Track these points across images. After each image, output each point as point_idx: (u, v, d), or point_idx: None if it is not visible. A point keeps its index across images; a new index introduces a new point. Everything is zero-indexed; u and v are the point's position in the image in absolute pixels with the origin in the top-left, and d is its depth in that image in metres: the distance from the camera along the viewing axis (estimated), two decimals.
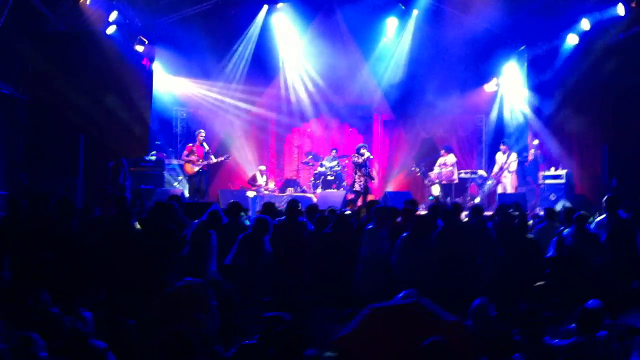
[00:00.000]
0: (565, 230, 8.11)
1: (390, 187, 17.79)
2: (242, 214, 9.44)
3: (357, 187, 14.42)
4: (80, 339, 4.81)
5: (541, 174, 15.34)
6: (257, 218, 8.17)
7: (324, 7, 16.89)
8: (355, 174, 14.65)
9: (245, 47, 17.20)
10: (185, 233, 7.93)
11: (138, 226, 7.83)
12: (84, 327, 5.01)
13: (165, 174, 15.17)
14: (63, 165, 13.96)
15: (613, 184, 13.53)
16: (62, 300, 5.33)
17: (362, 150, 14.69)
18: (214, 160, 15.03)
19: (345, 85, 18.08)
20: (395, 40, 17.41)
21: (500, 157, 15.58)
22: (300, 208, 8.57)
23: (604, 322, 5.64)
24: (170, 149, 16.69)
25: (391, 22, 16.94)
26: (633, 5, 12.97)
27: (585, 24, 14.17)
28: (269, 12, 16.74)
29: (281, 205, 12.29)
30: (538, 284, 7.11)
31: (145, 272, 7.19)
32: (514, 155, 15.48)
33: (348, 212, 8.96)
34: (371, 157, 15.23)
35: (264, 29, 17.05)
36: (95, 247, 7.44)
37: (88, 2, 13.20)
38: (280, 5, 16.32)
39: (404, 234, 7.63)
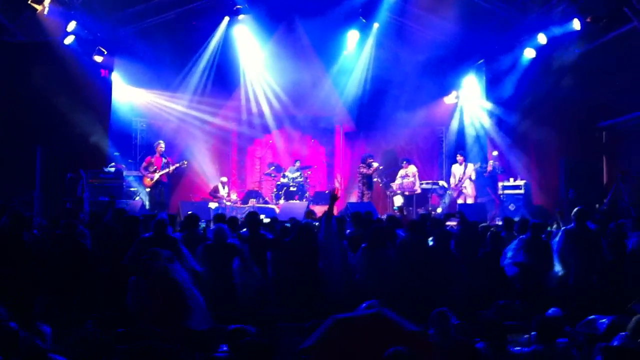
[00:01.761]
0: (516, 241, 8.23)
1: (352, 198, 17.86)
2: (203, 225, 9.35)
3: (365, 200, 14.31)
4: (38, 355, 4.68)
5: (500, 184, 15.58)
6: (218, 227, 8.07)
7: (286, 20, 16.94)
8: (364, 185, 14.47)
9: (206, 59, 17.13)
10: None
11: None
12: (42, 342, 4.88)
13: (125, 185, 14.97)
14: (20, 177, 13.66)
15: (570, 195, 13.79)
16: (19, 315, 5.18)
17: (369, 161, 14.50)
18: (171, 168, 14.87)
19: (306, 97, 18.14)
20: (357, 53, 17.56)
21: (457, 169, 15.79)
22: (260, 219, 8.52)
23: (563, 330, 5.73)
24: (129, 160, 16.48)
25: (352, 35, 17.06)
26: (588, 20, 13.27)
27: (542, 39, 14.44)
28: (230, 24, 16.71)
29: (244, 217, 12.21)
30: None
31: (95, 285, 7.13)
32: (470, 166, 15.70)
33: (317, 222, 8.92)
34: (380, 167, 15.09)
35: (225, 41, 17.01)
36: (52, 260, 7.31)
37: (46, 12, 12.97)
38: (241, 17, 16.28)
39: (363, 245, 7.65)
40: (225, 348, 5.31)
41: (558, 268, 8.09)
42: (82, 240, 7.94)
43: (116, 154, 15.80)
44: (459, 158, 15.90)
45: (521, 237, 8.21)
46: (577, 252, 8.08)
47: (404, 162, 16.22)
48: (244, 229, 8.54)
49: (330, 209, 7.50)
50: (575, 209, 8.48)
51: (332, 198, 7.61)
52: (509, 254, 8.13)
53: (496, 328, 5.36)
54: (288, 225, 8.97)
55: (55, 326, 5.22)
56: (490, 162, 16.03)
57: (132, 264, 7.07)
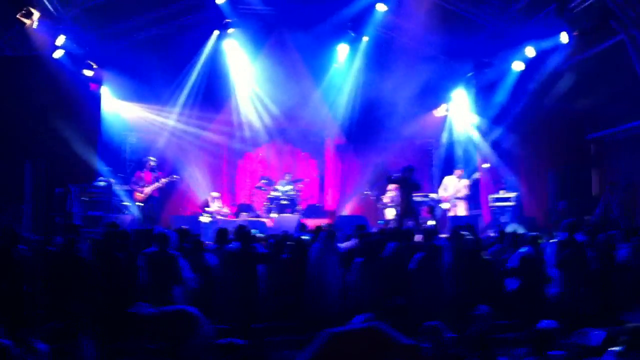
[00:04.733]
0: (523, 249, 8.22)
1: (344, 211, 17.85)
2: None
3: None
4: None
5: (491, 196, 15.61)
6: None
7: (275, 33, 17.00)
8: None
9: (197, 73, 17.11)
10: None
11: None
12: None
13: (114, 200, 14.89)
14: (8, 192, 13.55)
15: (560, 206, 13.84)
16: (12, 332, 5.13)
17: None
18: (162, 182, 14.79)
19: (297, 111, 18.14)
20: (346, 66, 17.63)
21: (451, 181, 15.79)
22: (251, 233, 8.47)
23: (558, 341, 5.72)
24: (119, 175, 16.39)
25: (342, 49, 17.15)
26: (576, 33, 13.39)
27: (530, 51, 14.55)
28: (219, 38, 16.71)
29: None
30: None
31: (94, 302, 7.06)
32: (465, 181, 15.72)
33: (306, 237, 8.88)
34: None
35: (215, 54, 17.01)
36: (47, 276, 7.26)
37: (35, 26, 12.95)
38: (230, 30, 16.30)
39: (358, 259, 7.62)
40: None
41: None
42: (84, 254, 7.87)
43: (106, 168, 15.72)
44: (458, 172, 15.87)
45: (519, 251, 8.21)
46: (563, 263, 8.10)
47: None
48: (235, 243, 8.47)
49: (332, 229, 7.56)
50: (565, 221, 8.52)
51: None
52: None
53: (489, 341, 5.35)
54: (280, 239, 8.92)
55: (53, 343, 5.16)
56: (477, 174, 16.06)
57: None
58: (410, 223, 13.11)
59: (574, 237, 8.28)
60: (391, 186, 15.81)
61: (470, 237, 8.37)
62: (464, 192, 15.58)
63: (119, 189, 15.39)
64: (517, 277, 8.09)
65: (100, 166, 15.52)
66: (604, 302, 7.72)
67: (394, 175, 15.00)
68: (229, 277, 7.85)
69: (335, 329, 4.92)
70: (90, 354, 4.93)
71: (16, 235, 7.57)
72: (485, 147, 16.76)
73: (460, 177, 15.77)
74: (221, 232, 8.98)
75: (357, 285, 7.41)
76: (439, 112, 18.21)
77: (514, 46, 14.99)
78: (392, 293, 7.35)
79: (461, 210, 15.52)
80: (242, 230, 8.20)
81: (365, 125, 18.22)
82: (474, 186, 16.04)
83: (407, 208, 13.26)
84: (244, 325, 7.15)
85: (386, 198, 16.07)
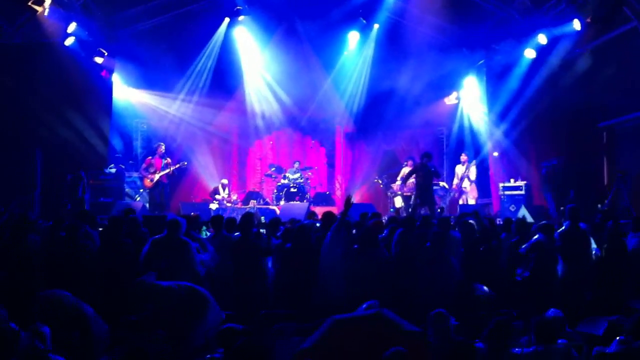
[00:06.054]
0: (535, 238, 8.18)
1: (353, 199, 17.82)
2: (203, 227, 9.31)
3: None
4: (37, 355, 4.69)
5: (501, 185, 15.55)
6: None
7: (286, 21, 16.93)
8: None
9: (207, 60, 17.13)
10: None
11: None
12: (42, 343, 4.88)
13: (125, 186, 14.97)
14: (20, 179, 13.65)
15: (570, 195, 13.78)
16: (18, 316, 5.19)
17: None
18: (171, 169, 14.81)
19: (307, 98, 18.14)
20: (357, 53, 17.58)
21: (459, 169, 15.78)
22: (254, 221, 8.43)
23: (563, 330, 5.72)
24: (130, 162, 16.49)
25: (352, 36, 17.09)
26: (588, 20, 13.25)
27: (542, 39, 14.42)
28: (230, 25, 16.71)
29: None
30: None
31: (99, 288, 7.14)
32: (473, 167, 15.66)
33: (318, 224, 8.86)
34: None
35: (226, 42, 17.01)
36: (53, 262, 7.32)
37: (46, 14, 12.97)
38: (241, 18, 16.27)
39: (355, 246, 7.59)
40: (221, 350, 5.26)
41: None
42: (89, 241, 7.88)
43: (117, 155, 15.80)
44: (463, 158, 15.84)
45: (533, 239, 8.15)
46: (568, 251, 8.07)
47: (410, 160, 15.84)
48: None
49: (344, 214, 7.53)
50: (568, 208, 8.46)
51: (347, 204, 7.67)
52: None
53: (500, 329, 5.33)
54: (289, 226, 8.92)
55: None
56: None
57: (147, 265, 7.13)
58: (423, 211, 13.08)
59: (578, 224, 8.22)
60: (404, 172, 15.77)
61: (477, 224, 8.33)
62: (472, 177, 15.53)
63: (129, 175, 15.48)
64: (527, 266, 8.04)
65: (111, 153, 15.61)
66: (611, 291, 7.67)
67: (412, 162, 15.02)
68: (232, 267, 7.87)
69: (340, 316, 4.95)
70: (93, 342, 4.97)
71: (30, 222, 7.64)
72: (496, 134, 16.66)
73: (464, 162, 15.71)
74: (216, 220, 8.91)
75: (355, 273, 7.35)
76: (450, 99, 18.13)
77: (526, 33, 14.84)
78: (391, 280, 7.33)
79: (470, 198, 15.48)
80: (246, 219, 8.14)
81: (376, 113, 18.19)
82: (484, 174, 15.97)
83: (424, 195, 13.13)
84: (249, 313, 7.17)
85: (395, 186, 16.03)
